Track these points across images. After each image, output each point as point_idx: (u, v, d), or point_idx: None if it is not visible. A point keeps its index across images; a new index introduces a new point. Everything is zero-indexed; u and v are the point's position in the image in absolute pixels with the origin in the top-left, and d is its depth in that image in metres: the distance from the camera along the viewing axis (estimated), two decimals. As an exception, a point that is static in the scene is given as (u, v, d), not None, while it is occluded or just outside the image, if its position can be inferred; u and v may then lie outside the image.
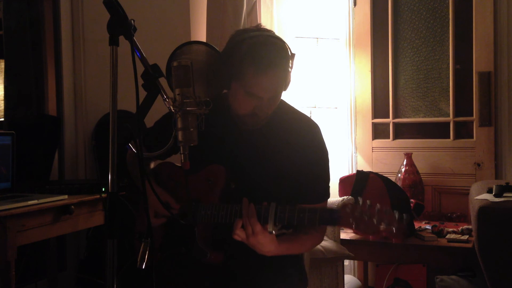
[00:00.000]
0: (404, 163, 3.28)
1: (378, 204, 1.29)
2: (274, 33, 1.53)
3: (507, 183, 2.26)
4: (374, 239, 1.15)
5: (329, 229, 2.77)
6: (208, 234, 1.52)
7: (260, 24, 1.60)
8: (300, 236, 1.56)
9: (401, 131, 3.54)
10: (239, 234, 1.40)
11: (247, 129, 1.58)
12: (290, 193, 1.57)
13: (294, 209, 1.38)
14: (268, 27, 1.58)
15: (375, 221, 1.27)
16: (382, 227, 1.26)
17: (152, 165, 1.77)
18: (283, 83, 1.50)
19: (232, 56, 1.45)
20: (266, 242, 1.41)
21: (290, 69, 1.51)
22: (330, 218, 1.35)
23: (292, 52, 1.51)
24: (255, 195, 1.48)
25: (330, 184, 1.66)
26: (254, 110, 1.49)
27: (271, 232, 1.39)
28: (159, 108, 1.38)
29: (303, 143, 1.57)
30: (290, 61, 1.50)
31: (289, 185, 1.57)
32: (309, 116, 1.72)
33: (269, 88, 1.46)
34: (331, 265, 2.67)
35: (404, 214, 1.27)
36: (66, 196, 2.05)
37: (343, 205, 1.33)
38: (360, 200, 1.31)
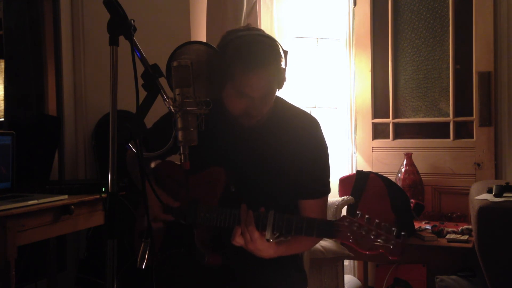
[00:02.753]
0: (404, 163, 3.28)
1: (376, 219, 1.28)
2: (263, 31, 1.51)
3: (507, 183, 2.26)
4: (371, 253, 1.14)
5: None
6: (207, 236, 1.51)
7: (249, 24, 1.59)
8: (298, 237, 1.56)
9: (401, 131, 3.54)
10: (238, 241, 1.41)
11: (246, 129, 1.57)
12: (290, 191, 1.57)
13: (293, 218, 1.38)
14: (268, 27, 1.58)
15: (372, 236, 1.26)
16: (379, 243, 1.25)
17: (152, 165, 1.76)
18: (275, 81, 1.48)
19: (222, 57, 1.44)
20: (264, 248, 1.42)
21: (283, 67, 1.48)
22: (328, 231, 1.34)
23: (284, 49, 1.49)
24: (255, 197, 1.48)
25: (330, 185, 1.65)
26: (248, 110, 1.48)
27: (268, 240, 1.39)
28: (159, 108, 1.38)
29: (301, 138, 1.57)
30: (282, 59, 1.48)
31: (290, 183, 1.57)
32: (308, 112, 1.71)
33: (259, 87, 1.44)
34: (331, 265, 2.67)
35: (402, 232, 1.26)
36: (66, 196, 2.05)
37: (341, 218, 1.32)
38: (359, 213, 1.30)
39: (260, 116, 1.52)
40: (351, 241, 1.29)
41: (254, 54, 1.42)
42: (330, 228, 1.33)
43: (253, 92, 1.45)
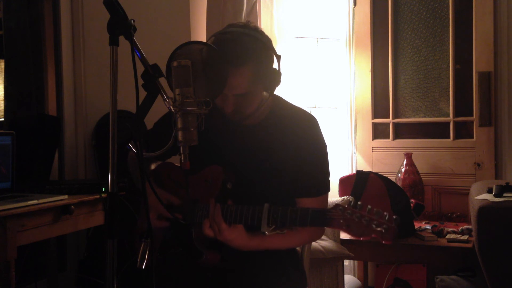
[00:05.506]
0: (404, 163, 3.28)
1: (369, 205, 1.28)
2: (251, 29, 1.49)
3: (507, 183, 2.26)
4: (365, 239, 1.14)
5: (329, 229, 2.77)
6: (205, 234, 1.52)
7: (249, 21, 1.58)
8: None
9: (401, 131, 3.54)
10: (208, 233, 1.44)
11: (243, 127, 1.58)
12: (288, 189, 1.57)
13: (287, 210, 1.38)
14: (268, 27, 1.57)
15: (365, 222, 1.27)
16: (371, 228, 1.26)
17: (152, 166, 1.77)
18: (252, 79, 1.46)
19: (219, 56, 1.44)
20: (234, 238, 1.44)
21: (266, 67, 1.48)
22: (321, 219, 1.35)
23: (272, 50, 1.49)
24: (252, 194, 1.48)
25: (330, 185, 1.65)
26: (234, 107, 1.49)
27: (263, 233, 1.39)
28: (159, 108, 1.38)
29: (299, 136, 1.57)
30: (265, 59, 1.47)
31: (287, 180, 1.57)
32: (306, 110, 1.70)
33: (232, 85, 1.43)
34: (331, 265, 2.67)
35: (394, 216, 1.27)
36: (66, 196, 2.05)
37: (334, 206, 1.32)
38: (352, 201, 1.31)
39: (248, 113, 1.52)
40: (344, 228, 1.30)
41: (224, 52, 1.40)
42: (323, 216, 1.34)
43: (226, 90, 1.43)
